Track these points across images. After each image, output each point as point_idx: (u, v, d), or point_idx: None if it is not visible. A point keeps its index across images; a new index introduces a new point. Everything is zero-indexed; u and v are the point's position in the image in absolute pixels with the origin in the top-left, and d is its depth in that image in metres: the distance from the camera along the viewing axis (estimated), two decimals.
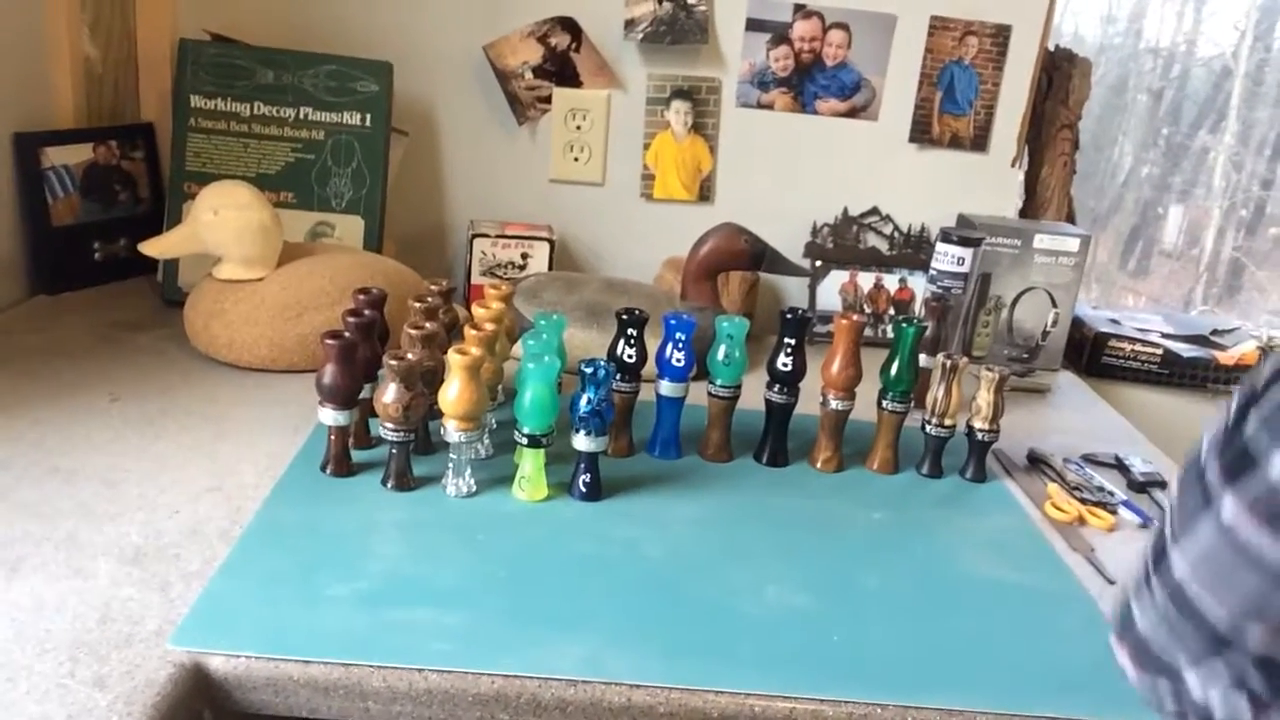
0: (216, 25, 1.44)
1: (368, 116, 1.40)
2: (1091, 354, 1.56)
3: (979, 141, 1.54)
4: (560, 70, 1.49)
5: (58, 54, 1.36)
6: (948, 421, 1.10)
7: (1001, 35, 1.49)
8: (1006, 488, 1.11)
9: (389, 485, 0.96)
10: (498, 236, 1.44)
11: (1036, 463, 1.17)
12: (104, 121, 1.44)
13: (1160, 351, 1.56)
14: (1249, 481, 0.63)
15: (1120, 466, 1.19)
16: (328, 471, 0.97)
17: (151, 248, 1.19)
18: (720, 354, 1.07)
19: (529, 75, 1.49)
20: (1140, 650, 0.81)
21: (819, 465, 1.11)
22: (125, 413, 1.06)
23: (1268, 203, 2.41)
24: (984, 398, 1.09)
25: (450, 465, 0.97)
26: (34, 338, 1.22)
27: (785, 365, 1.08)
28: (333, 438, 0.97)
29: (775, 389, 1.09)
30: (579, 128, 1.51)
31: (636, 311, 1.06)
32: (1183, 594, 0.72)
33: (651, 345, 1.07)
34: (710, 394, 1.09)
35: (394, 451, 0.96)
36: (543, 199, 1.54)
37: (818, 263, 1.53)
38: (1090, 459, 1.20)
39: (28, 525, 0.84)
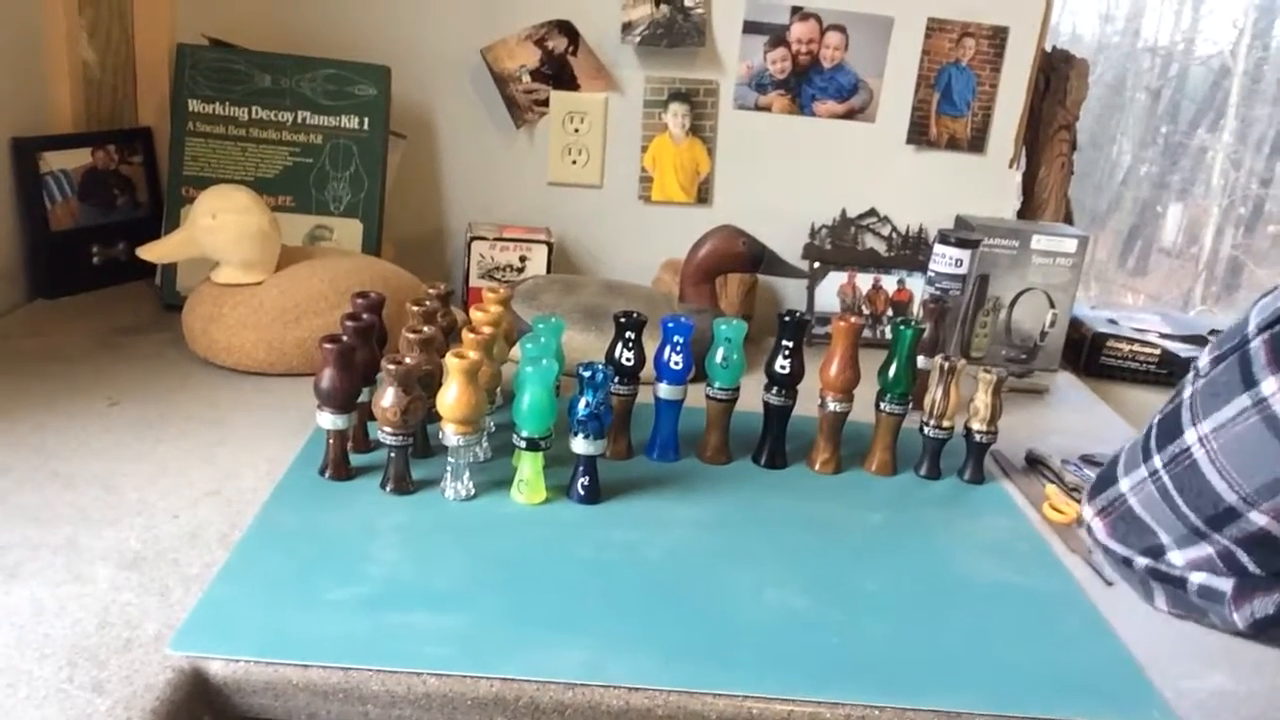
0: (214, 30, 1.44)
1: (366, 120, 1.40)
2: (1090, 354, 1.57)
3: (976, 143, 1.54)
4: (558, 73, 1.49)
5: (56, 59, 1.36)
6: (946, 423, 1.10)
7: (999, 36, 1.50)
8: (1005, 489, 1.11)
9: (388, 489, 0.97)
10: (496, 239, 1.44)
11: (1035, 464, 1.17)
12: (102, 126, 1.44)
13: (1158, 352, 1.56)
14: None
15: None
16: (326, 475, 0.98)
17: (150, 252, 1.19)
18: (718, 356, 1.07)
19: (526, 78, 1.49)
20: (1123, 521, 0.80)
21: (817, 467, 1.11)
22: (124, 417, 1.06)
23: (1266, 201, 2.41)
24: (982, 399, 1.09)
25: (449, 469, 0.97)
26: (32, 342, 1.22)
27: (783, 368, 1.08)
28: (331, 441, 0.97)
29: (773, 391, 1.09)
30: (577, 131, 1.51)
31: (634, 314, 1.07)
32: (1194, 469, 0.72)
33: (650, 348, 1.08)
34: (708, 396, 1.09)
35: (392, 455, 0.96)
36: (541, 202, 1.54)
37: (816, 264, 1.53)
38: (1088, 460, 1.20)
39: (26, 530, 0.84)
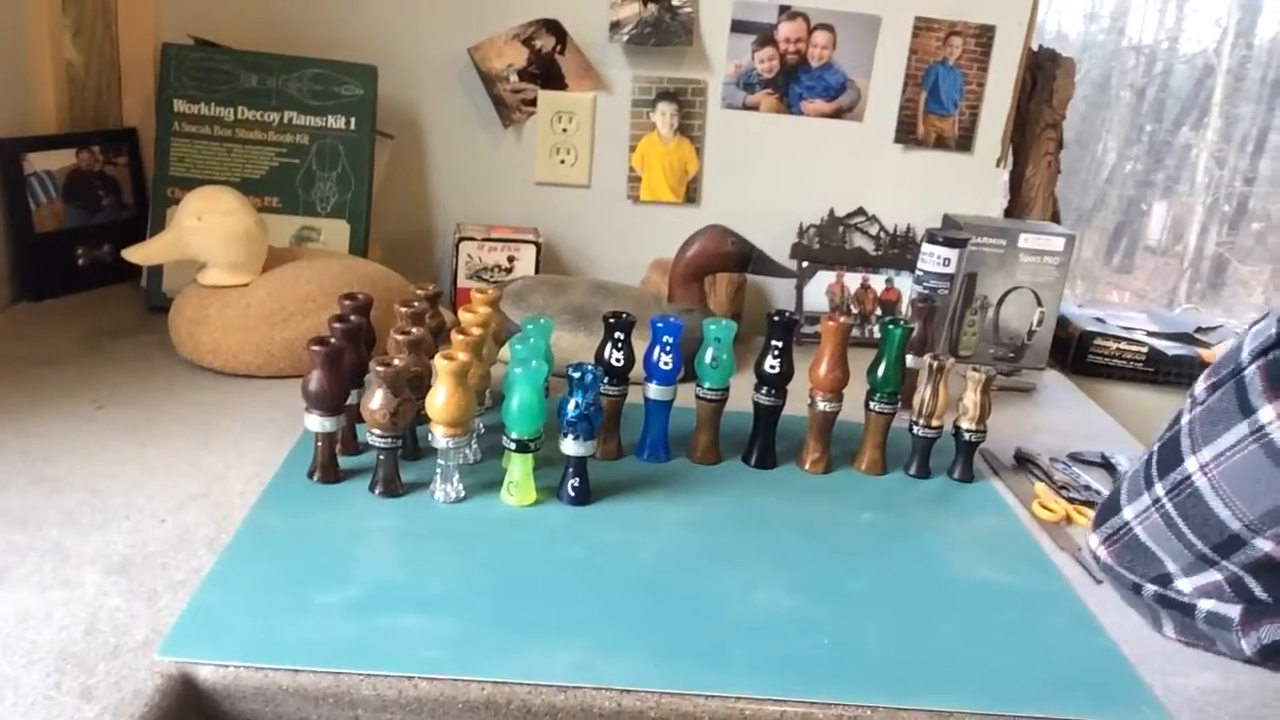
0: (199, 29, 1.43)
1: (352, 120, 1.40)
2: (1077, 352, 1.57)
3: (964, 142, 1.55)
4: (545, 73, 1.49)
5: (40, 59, 1.35)
6: (935, 422, 1.10)
7: (985, 35, 1.50)
8: (994, 487, 1.12)
9: (377, 491, 0.96)
10: (484, 240, 1.43)
11: (1024, 462, 1.18)
12: (87, 127, 1.43)
13: (1145, 350, 1.56)
14: None
15: (1106, 465, 1.20)
16: (315, 478, 0.97)
17: (135, 254, 1.18)
18: (708, 357, 1.07)
19: (514, 78, 1.48)
20: (1128, 549, 0.81)
21: (807, 467, 1.11)
22: (111, 420, 1.05)
23: (1250, 198, 2.43)
24: (971, 398, 1.09)
25: (438, 471, 0.96)
26: (17, 345, 1.21)
27: (773, 368, 1.08)
28: (319, 444, 0.97)
29: (763, 391, 1.09)
30: (565, 130, 1.51)
31: (623, 315, 1.06)
32: (1197, 497, 0.72)
33: (639, 348, 1.07)
34: (698, 396, 1.09)
35: (381, 458, 0.96)
36: (529, 202, 1.54)
37: (804, 264, 1.53)
38: (1077, 458, 1.20)
39: (13, 535, 0.84)
